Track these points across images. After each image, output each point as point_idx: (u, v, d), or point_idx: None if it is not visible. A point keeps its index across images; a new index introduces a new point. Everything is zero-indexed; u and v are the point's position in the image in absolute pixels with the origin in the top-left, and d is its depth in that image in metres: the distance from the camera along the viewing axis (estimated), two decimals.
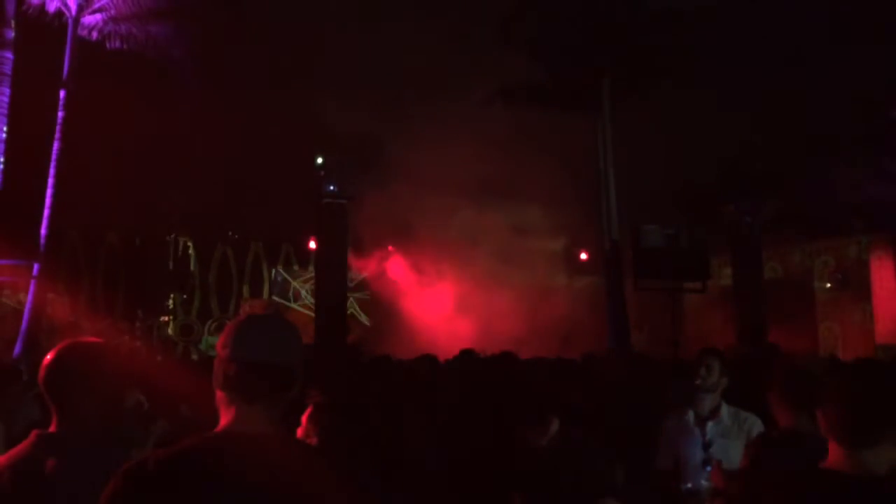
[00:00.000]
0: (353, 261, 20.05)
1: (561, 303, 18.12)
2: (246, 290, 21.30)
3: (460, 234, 18.23)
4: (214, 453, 1.79)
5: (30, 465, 2.17)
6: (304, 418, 3.24)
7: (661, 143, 18.00)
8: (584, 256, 21.00)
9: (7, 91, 13.35)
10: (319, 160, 19.96)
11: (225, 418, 1.89)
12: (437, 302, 19.19)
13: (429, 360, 6.15)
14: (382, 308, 20.87)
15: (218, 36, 15.79)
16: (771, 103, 17.74)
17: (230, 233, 21.37)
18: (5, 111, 13.33)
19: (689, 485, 4.10)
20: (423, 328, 18.09)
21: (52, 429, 2.28)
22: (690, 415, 4.34)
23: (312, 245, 21.00)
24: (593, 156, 16.68)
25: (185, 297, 20.57)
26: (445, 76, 17.74)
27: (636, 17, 15.85)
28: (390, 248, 20.95)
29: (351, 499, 1.88)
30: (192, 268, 20.68)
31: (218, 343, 1.93)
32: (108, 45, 14.76)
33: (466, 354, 7.02)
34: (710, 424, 4.24)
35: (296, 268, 22.01)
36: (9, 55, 13.50)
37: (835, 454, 2.07)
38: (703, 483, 3.98)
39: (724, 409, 4.28)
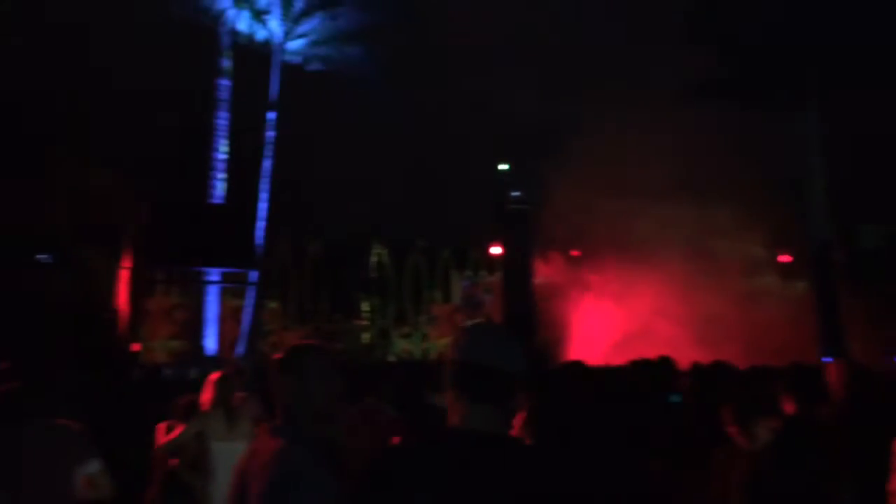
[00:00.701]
0: (538, 265, 20.05)
1: (764, 308, 17.03)
2: (438, 296, 21.89)
3: (649, 237, 17.63)
4: (447, 447, 1.92)
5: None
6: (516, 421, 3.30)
7: (878, 134, 16.42)
8: (784, 258, 19.61)
9: (225, 115, 14.78)
10: (503, 166, 20.24)
11: (455, 416, 2.00)
12: (625, 307, 18.71)
13: (660, 364, 6.01)
14: (566, 313, 20.67)
15: (405, 51, 16.40)
16: None
17: (421, 239, 22.06)
18: (225, 133, 14.75)
19: None
20: (606, 335, 17.75)
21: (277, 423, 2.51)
22: None
23: (495, 251, 21.45)
24: (796, 151, 15.57)
25: (380, 303, 21.51)
26: (629, 75, 17.28)
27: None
28: (574, 252, 20.74)
29: (570, 500, 1.92)
30: (385, 275, 21.59)
31: (450, 346, 2.07)
32: (308, 67, 15.89)
33: (665, 362, 6.82)
34: None
35: (483, 273, 22.34)
36: (225, 82, 14.93)
37: None
38: None
39: None
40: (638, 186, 16.69)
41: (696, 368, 6.50)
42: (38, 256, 12.82)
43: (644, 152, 16.21)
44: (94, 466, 3.93)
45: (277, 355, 2.57)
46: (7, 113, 12.88)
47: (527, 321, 18.99)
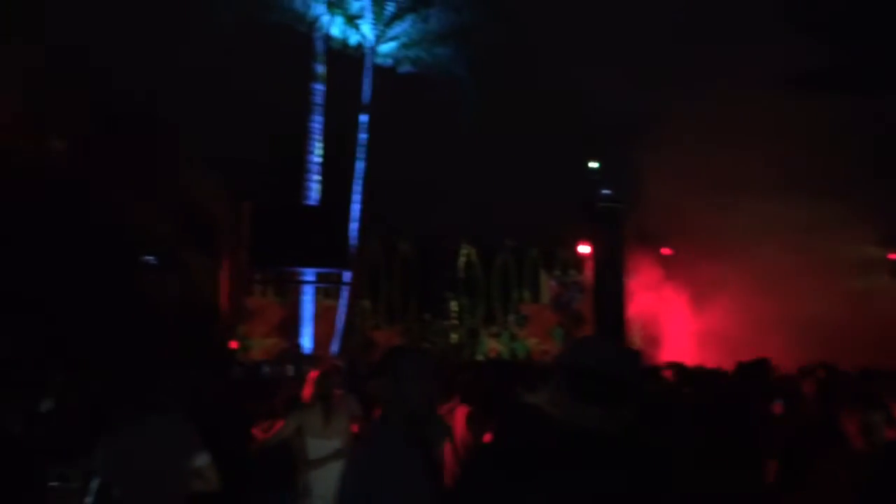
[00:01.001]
0: (629, 264, 19.73)
1: (876, 309, 16.16)
2: (526, 295, 21.81)
3: (748, 235, 16.98)
4: (558, 446, 1.92)
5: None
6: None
7: None
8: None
9: (320, 119, 15.13)
10: (593, 164, 19.95)
11: (568, 416, 2.00)
12: (720, 307, 18.15)
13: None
14: (658, 312, 20.22)
15: (497, 50, 16.38)
16: None
17: (510, 239, 22.02)
18: (319, 136, 15.11)
19: None
20: (699, 335, 17.28)
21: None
22: None
23: (584, 249, 21.16)
24: None
25: (469, 302, 21.60)
26: (726, 66, 16.69)
27: None
28: (666, 250, 20.27)
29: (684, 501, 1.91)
30: (474, 274, 21.65)
31: (564, 349, 2.15)
32: (399, 69, 16.10)
33: (765, 364, 6.58)
34: None
35: (572, 272, 22.12)
36: (320, 87, 15.29)
37: None
38: None
39: None
40: (736, 182, 16.17)
41: (807, 371, 6.24)
42: (145, 258, 13.44)
43: (743, 146, 15.66)
44: (203, 459, 4.08)
45: (375, 357, 2.62)
46: (113, 118, 13.55)
47: (618, 320, 18.69)
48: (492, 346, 21.49)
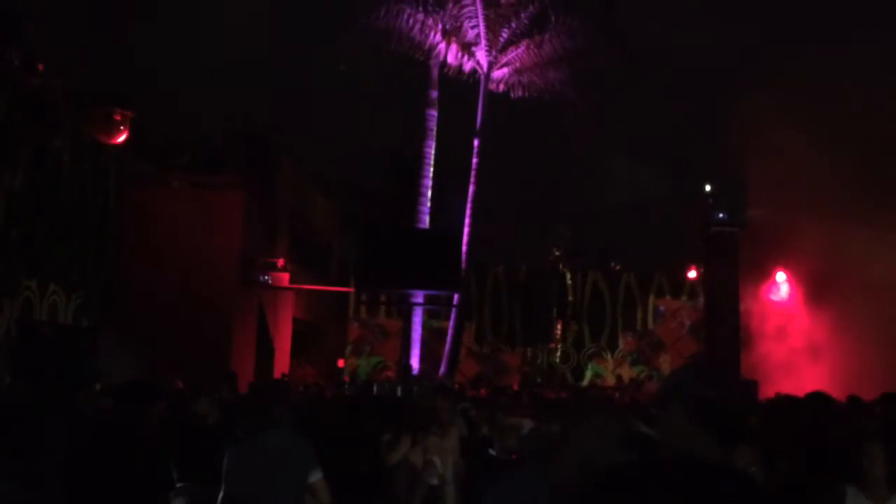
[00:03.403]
0: (743, 290, 19.15)
1: None
2: (620, 320, 21.44)
3: (864, 260, 16.09)
4: (671, 475, 1.90)
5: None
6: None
7: None
8: None
9: (432, 143, 15.43)
10: (708, 187, 19.40)
11: (676, 446, 1.98)
12: (838, 334, 17.34)
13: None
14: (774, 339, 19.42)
15: (608, 74, 16.28)
16: None
17: (611, 263, 21.73)
18: (431, 161, 15.40)
19: None
20: (818, 363, 16.54)
21: None
22: None
23: (693, 274, 20.54)
24: None
25: (569, 325, 21.40)
26: (834, 93, 16.05)
27: None
28: (780, 271, 19.54)
29: None
30: (571, 298, 21.45)
31: (673, 378, 2.09)
32: (512, 94, 16.22)
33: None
34: None
35: (683, 297, 21.55)
36: (433, 113, 15.60)
37: None
38: None
39: None
40: (849, 208, 15.50)
41: None
42: (262, 278, 14.02)
43: (855, 172, 15.07)
44: (317, 475, 4.22)
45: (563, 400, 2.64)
46: (237, 148, 14.27)
47: (732, 348, 18.03)
48: (596, 371, 21.23)
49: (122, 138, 11.36)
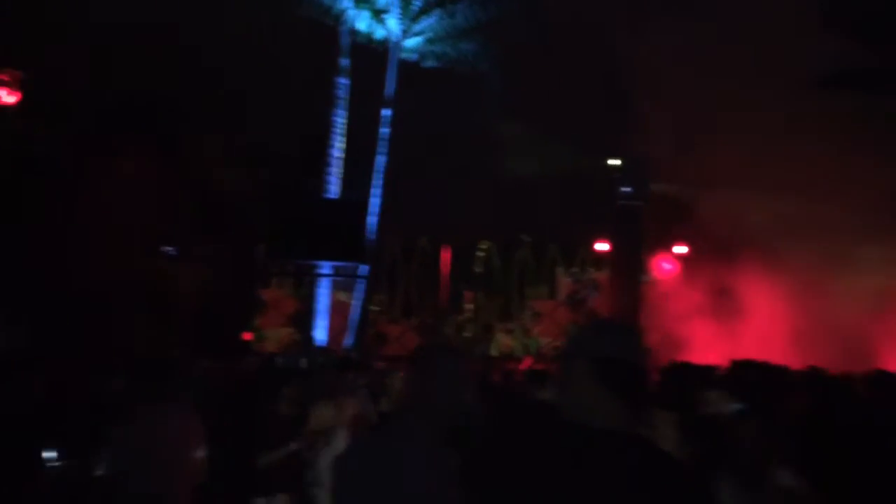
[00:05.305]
0: (647, 263, 19.68)
1: None
2: (543, 292, 21.76)
3: (771, 236, 16.74)
4: (563, 443, 1.84)
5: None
6: None
7: None
8: None
9: (343, 113, 15.19)
10: (613, 162, 19.84)
11: (573, 411, 1.91)
12: (740, 308, 18.02)
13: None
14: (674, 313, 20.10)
15: (522, 46, 16.30)
16: None
17: (527, 235, 21.94)
18: (342, 131, 15.16)
19: None
20: (720, 335, 17.16)
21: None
22: None
23: (601, 247, 21.00)
24: None
25: (485, 298, 21.61)
26: (755, 64, 16.48)
27: None
28: (677, 246, 20.11)
29: None
30: (491, 270, 21.64)
31: (573, 339, 2.04)
32: (423, 64, 16.10)
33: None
34: None
35: (589, 269, 22.03)
36: (344, 81, 15.34)
37: None
38: None
39: None
40: (758, 182, 15.99)
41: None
42: (164, 249, 13.55)
43: (768, 146, 15.52)
44: (203, 452, 4.18)
45: (409, 354, 2.61)
46: (138, 112, 13.66)
47: (634, 319, 18.60)
48: (505, 341, 21.49)
49: (12, 100, 10.81)
